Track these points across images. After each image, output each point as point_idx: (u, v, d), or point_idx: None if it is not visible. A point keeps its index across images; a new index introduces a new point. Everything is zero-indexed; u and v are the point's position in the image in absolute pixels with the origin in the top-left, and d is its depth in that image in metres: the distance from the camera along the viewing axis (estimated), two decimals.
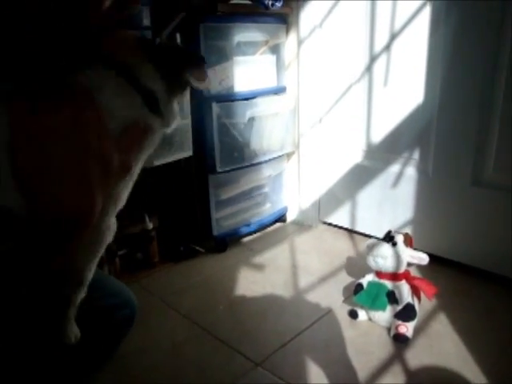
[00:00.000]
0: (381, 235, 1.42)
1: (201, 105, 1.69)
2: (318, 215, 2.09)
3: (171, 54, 0.69)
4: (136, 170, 0.66)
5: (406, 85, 1.70)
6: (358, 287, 1.38)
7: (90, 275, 0.73)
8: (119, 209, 0.69)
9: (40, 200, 0.55)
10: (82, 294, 0.74)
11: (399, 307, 1.30)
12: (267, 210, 2.05)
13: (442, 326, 1.36)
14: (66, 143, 0.56)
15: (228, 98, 1.75)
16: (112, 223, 0.69)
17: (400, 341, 1.29)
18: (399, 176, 1.77)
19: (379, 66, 1.76)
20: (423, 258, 1.34)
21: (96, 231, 0.66)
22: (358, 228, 1.96)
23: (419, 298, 1.36)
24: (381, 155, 1.83)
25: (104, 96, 0.63)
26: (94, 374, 1.15)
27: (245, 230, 1.93)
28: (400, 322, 1.30)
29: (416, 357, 1.24)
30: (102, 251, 0.72)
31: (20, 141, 0.55)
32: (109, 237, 0.70)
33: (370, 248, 1.37)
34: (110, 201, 0.65)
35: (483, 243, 1.59)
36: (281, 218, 2.12)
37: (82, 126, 0.57)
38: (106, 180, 0.59)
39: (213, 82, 1.71)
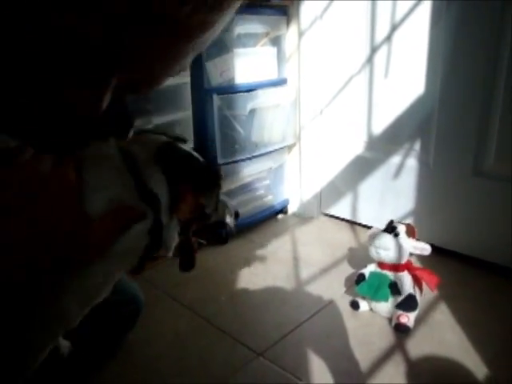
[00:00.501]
0: (382, 226, 1.42)
1: (202, 97, 1.69)
2: (319, 207, 2.09)
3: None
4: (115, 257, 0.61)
5: (406, 76, 1.70)
6: (360, 277, 1.39)
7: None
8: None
9: None
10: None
11: (401, 298, 1.31)
12: (268, 202, 2.05)
13: (444, 316, 1.37)
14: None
15: (229, 90, 1.75)
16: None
17: (401, 331, 1.29)
18: (400, 167, 1.77)
19: (380, 57, 1.75)
20: (426, 249, 1.34)
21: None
22: (360, 219, 1.96)
23: (421, 289, 1.36)
24: (382, 146, 1.83)
25: (92, 173, 0.60)
26: (102, 365, 1.17)
27: (246, 222, 1.93)
28: (401, 312, 1.30)
29: (417, 346, 1.24)
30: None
31: None
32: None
33: (372, 238, 1.37)
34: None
35: (485, 234, 1.60)
36: (282, 210, 2.13)
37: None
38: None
39: (213, 74, 1.71)
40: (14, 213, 0.51)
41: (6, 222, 0.51)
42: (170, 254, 0.69)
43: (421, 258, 1.54)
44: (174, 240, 0.67)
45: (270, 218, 2.07)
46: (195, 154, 0.70)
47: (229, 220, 0.77)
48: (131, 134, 0.83)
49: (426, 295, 1.40)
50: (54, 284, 0.59)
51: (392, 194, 1.81)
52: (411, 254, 1.37)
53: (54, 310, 0.62)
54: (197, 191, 0.66)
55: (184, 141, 0.73)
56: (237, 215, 0.79)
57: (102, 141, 0.64)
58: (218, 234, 0.70)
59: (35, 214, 0.52)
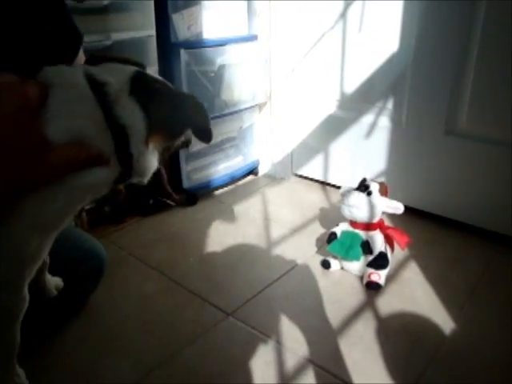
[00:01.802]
0: (353, 187, 1.40)
1: (168, 51, 1.61)
2: (290, 168, 2.06)
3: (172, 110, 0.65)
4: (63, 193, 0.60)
5: (380, 33, 1.65)
6: (332, 236, 1.37)
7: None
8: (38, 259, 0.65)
9: None
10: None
11: (372, 256, 1.30)
12: (239, 163, 2.01)
13: (413, 274, 1.37)
14: None
15: (197, 45, 1.68)
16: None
17: (372, 288, 1.29)
18: (373, 126, 1.75)
19: (354, 12, 1.70)
20: (399, 208, 1.33)
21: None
22: (331, 180, 1.94)
23: (392, 248, 1.36)
24: (354, 105, 1.79)
25: (57, 99, 0.59)
26: (64, 325, 1.13)
27: (216, 183, 1.89)
28: (372, 270, 1.30)
29: (387, 303, 1.25)
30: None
31: None
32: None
33: (345, 197, 1.34)
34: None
35: (456, 193, 1.60)
36: (253, 171, 2.09)
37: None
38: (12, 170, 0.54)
39: (181, 28, 1.63)
40: None
41: None
42: (145, 180, 0.69)
43: (392, 217, 1.54)
44: (151, 168, 0.67)
45: (240, 179, 2.03)
46: (168, 83, 0.70)
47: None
48: (81, 51, 0.83)
49: (396, 254, 1.41)
50: (7, 205, 0.58)
51: (364, 154, 1.79)
52: (383, 213, 1.36)
53: (11, 234, 0.61)
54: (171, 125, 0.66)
55: (144, 67, 0.71)
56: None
57: (69, 67, 0.64)
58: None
59: None
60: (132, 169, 0.64)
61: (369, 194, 1.32)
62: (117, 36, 1.45)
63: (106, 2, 1.39)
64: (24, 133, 0.54)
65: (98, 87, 0.61)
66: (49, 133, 0.56)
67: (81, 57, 0.85)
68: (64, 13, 0.79)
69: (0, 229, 0.60)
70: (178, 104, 0.66)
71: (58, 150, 0.56)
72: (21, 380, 0.82)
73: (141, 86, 0.64)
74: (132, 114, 0.61)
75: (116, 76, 0.64)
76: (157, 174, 0.74)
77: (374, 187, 1.34)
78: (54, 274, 0.96)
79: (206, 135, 0.69)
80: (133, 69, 0.66)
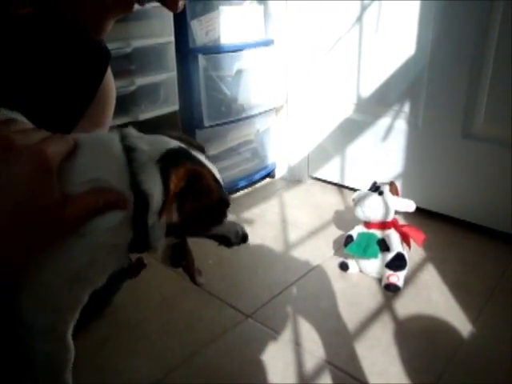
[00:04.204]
0: (362, 192, 1.42)
1: (186, 57, 1.64)
2: (307, 170, 2.08)
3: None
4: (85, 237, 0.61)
5: (397, 36, 1.66)
6: (349, 239, 1.38)
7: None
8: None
9: None
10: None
11: (390, 256, 1.31)
12: (255, 166, 2.03)
13: (431, 277, 1.38)
14: None
15: (215, 50, 1.70)
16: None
17: (391, 290, 1.30)
18: (389, 129, 1.75)
19: (370, 16, 1.71)
20: (410, 205, 1.34)
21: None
22: (348, 182, 1.95)
23: (409, 246, 1.36)
24: (371, 108, 1.80)
25: (86, 153, 0.61)
26: (87, 326, 1.16)
27: (233, 186, 1.91)
28: (391, 272, 1.31)
29: (404, 306, 1.25)
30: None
31: None
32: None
33: (358, 199, 1.36)
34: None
35: (472, 196, 1.60)
36: (269, 174, 2.11)
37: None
38: (32, 236, 0.56)
39: (199, 33, 1.65)
40: None
41: None
42: (159, 253, 0.69)
43: (408, 219, 1.54)
44: (160, 240, 0.65)
45: (257, 182, 2.05)
46: (208, 164, 0.70)
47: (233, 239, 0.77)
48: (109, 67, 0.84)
49: (412, 256, 1.41)
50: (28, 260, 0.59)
51: (380, 157, 1.80)
52: (396, 213, 1.37)
53: (44, 284, 0.62)
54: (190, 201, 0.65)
55: (204, 151, 0.73)
56: (244, 239, 0.79)
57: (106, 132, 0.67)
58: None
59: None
60: (147, 236, 0.64)
61: (380, 193, 1.34)
62: (137, 43, 1.48)
63: None
64: (38, 194, 0.55)
65: (129, 151, 0.63)
66: (70, 188, 0.58)
67: (108, 72, 0.88)
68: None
69: (35, 280, 0.62)
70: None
71: (75, 201, 0.58)
72: None
73: (170, 158, 0.64)
74: (153, 183, 0.62)
75: (153, 145, 0.65)
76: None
77: (385, 187, 1.36)
78: None
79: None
80: (176, 144, 0.68)
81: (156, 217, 0.62)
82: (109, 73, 0.88)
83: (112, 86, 0.93)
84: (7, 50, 0.71)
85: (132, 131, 0.67)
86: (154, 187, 0.62)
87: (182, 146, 0.69)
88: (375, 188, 1.38)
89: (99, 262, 0.64)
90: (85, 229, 0.59)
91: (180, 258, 0.80)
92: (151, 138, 0.68)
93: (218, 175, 0.71)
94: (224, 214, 0.74)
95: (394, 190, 1.37)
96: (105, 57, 0.84)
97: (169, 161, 0.64)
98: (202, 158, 0.71)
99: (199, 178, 0.65)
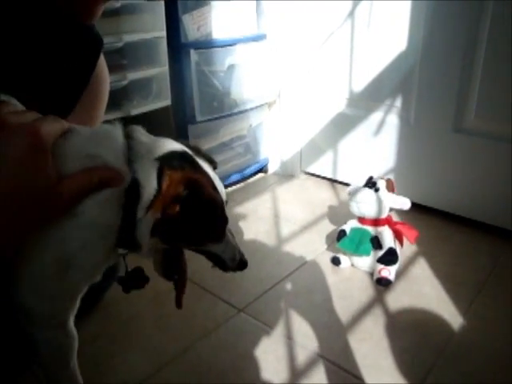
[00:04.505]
0: (360, 185, 1.42)
1: (178, 52, 1.64)
2: (299, 165, 2.08)
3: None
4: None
5: (388, 31, 1.66)
6: (341, 233, 1.39)
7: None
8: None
9: None
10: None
11: (382, 252, 1.32)
12: (248, 161, 2.03)
13: (422, 271, 1.39)
14: None
15: (206, 45, 1.70)
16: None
17: (383, 284, 1.31)
18: (381, 124, 1.76)
19: (362, 11, 1.71)
20: (405, 203, 1.35)
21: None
22: (340, 177, 1.96)
23: (402, 243, 1.37)
24: (363, 103, 1.80)
25: (84, 135, 0.62)
26: (80, 320, 1.16)
27: (225, 181, 1.91)
28: (383, 266, 1.31)
29: (396, 300, 1.26)
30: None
31: None
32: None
33: (353, 194, 1.37)
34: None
35: (464, 190, 1.61)
36: (262, 169, 2.11)
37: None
38: (27, 213, 0.55)
39: (190, 28, 1.65)
40: None
41: None
42: (144, 252, 0.67)
43: (400, 214, 1.55)
44: (145, 237, 0.64)
45: (249, 176, 2.05)
46: (211, 174, 0.69)
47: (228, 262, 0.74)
48: (102, 55, 0.85)
49: (404, 250, 1.42)
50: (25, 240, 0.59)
51: (373, 152, 1.80)
52: (391, 210, 1.37)
53: (41, 270, 0.62)
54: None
55: (215, 166, 0.73)
56: (242, 266, 0.76)
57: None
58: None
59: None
60: (134, 228, 0.63)
61: (376, 190, 1.35)
62: (128, 37, 1.47)
63: (117, 5, 1.41)
64: (33, 172, 0.54)
65: (129, 140, 0.63)
66: (65, 166, 0.58)
67: (102, 59, 0.88)
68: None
69: (30, 263, 0.62)
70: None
71: (69, 180, 0.57)
72: None
73: (170, 158, 0.64)
74: (147, 176, 0.61)
75: (155, 143, 0.65)
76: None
77: (381, 184, 1.36)
78: None
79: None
80: (180, 148, 0.67)
81: (144, 211, 0.61)
82: (102, 59, 0.88)
83: (105, 73, 0.92)
84: (2, 34, 0.71)
85: (138, 127, 0.67)
86: (147, 181, 0.61)
87: (187, 151, 0.68)
88: (371, 183, 1.38)
89: (91, 246, 0.63)
90: (78, 208, 0.59)
91: (172, 271, 0.80)
92: (157, 137, 0.67)
93: (220, 187, 0.69)
94: (220, 231, 0.71)
95: (390, 187, 1.37)
96: (97, 43, 0.83)
97: (167, 161, 0.63)
98: (206, 167, 0.69)
99: (198, 188, 0.64)
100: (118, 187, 0.60)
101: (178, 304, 0.82)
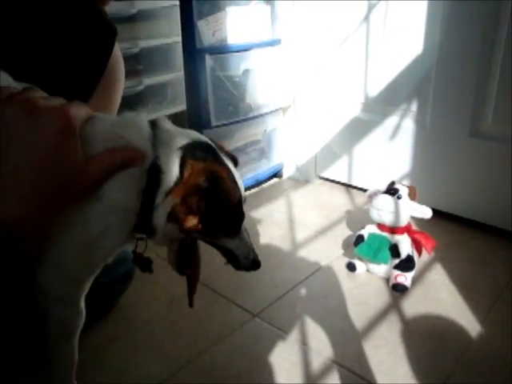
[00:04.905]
0: (380, 188, 1.41)
1: (193, 57, 1.65)
2: (314, 170, 2.07)
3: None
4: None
5: (404, 35, 1.65)
6: (359, 239, 1.37)
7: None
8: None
9: None
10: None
11: (399, 259, 1.31)
12: (263, 166, 2.03)
13: (439, 277, 1.37)
14: (17, 142, 0.54)
15: (221, 50, 1.70)
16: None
17: (399, 290, 1.30)
18: (397, 129, 1.75)
19: (377, 15, 1.70)
20: (427, 212, 1.33)
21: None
22: (355, 182, 1.95)
23: (420, 252, 1.35)
24: (378, 108, 1.79)
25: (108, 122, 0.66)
26: (92, 326, 1.16)
27: None
28: (399, 273, 1.30)
29: (412, 306, 1.25)
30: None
31: None
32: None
33: (373, 199, 1.35)
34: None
35: (481, 195, 1.59)
36: (277, 174, 2.11)
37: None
38: (59, 193, 0.58)
39: (206, 34, 1.66)
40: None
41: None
42: (158, 237, 0.69)
43: (417, 219, 1.53)
44: (161, 221, 0.66)
45: (264, 182, 2.05)
46: (232, 168, 0.71)
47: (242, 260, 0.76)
48: (116, 46, 0.87)
49: (422, 256, 1.40)
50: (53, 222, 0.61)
51: (388, 156, 1.79)
52: (411, 217, 1.36)
53: (62, 252, 0.65)
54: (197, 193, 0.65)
55: (237, 163, 0.75)
56: (255, 265, 0.77)
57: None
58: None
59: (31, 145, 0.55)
60: (152, 212, 0.65)
61: (399, 197, 1.33)
62: (144, 43, 1.49)
63: (133, 11, 1.43)
64: (63, 152, 0.57)
65: (154, 127, 0.66)
66: (91, 147, 0.61)
67: (116, 48, 0.89)
68: (97, 10, 0.83)
69: (54, 247, 0.64)
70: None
71: (95, 160, 0.60)
72: None
73: (194, 148, 0.66)
74: (169, 163, 0.63)
75: (180, 132, 0.68)
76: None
77: (404, 191, 1.34)
78: None
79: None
80: (205, 140, 0.70)
81: (163, 197, 0.63)
82: (116, 48, 0.89)
83: (120, 62, 0.93)
84: (20, 22, 0.73)
85: (164, 117, 0.70)
86: (169, 167, 0.63)
87: (211, 144, 0.70)
88: (393, 190, 1.36)
89: (112, 230, 0.66)
90: (101, 190, 0.62)
91: (186, 264, 0.80)
92: (183, 129, 0.70)
93: (239, 182, 0.71)
94: (236, 226, 0.73)
95: (412, 195, 1.36)
96: (112, 31, 0.86)
97: (191, 150, 0.65)
98: (228, 162, 0.71)
99: (219, 180, 0.66)
100: (139, 167, 0.63)
101: (190, 302, 0.83)
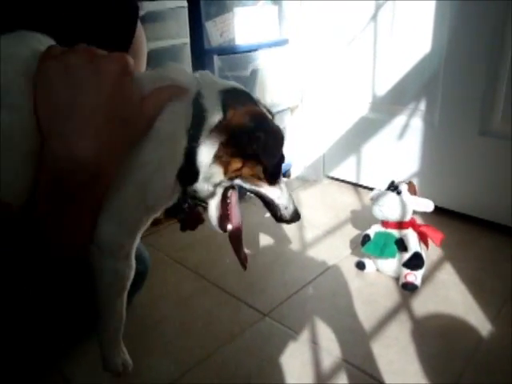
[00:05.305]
0: (382, 190, 1.41)
1: (202, 58, 1.65)
2: (322, 170, 2.07)
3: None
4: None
5: (412, 34, 1.65)
6: (366, 238, 1.38)
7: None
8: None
9: (53, 141, 0.57)
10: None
11: (407, 255, 1.31)
12: None
13: (448, 276, 1.37)
14: (84, 87, 0.59)
15: (230, 51, 1.71)
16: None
17: (409, 289, 1.30)
18: (405, 128, 1.74)
19: (385, 14, 1.70)
20: (428, 205, 1.33)
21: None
22: (364, 182, 1.95)
23: (427, 245, 1.35)
24: (387, 107, 1.79)
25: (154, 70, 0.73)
26: None
27: None
28: (408, 271, 1.30)
29: (422, 305, 1.25)
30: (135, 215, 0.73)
31: (41, 77, 0.58)
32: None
33: (375, 198, 1.36)
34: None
35: (490, 194, 1.58)
36: (285, 174, 2.11)
37: (104, 74, 0.60)
38: (122, 132, 0.62)
39: (214, 34, 1.67)
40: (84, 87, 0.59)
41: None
42: (200, 185, 0.74)
43: (426, 218, 1.53)
44: (206, 161, 0.71)
45: None
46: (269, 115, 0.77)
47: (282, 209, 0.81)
48: (140, 25, 0.91)
49: (429, 255, 1.40)
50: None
51: (396, 155, 1.79)
52: (414, 212, 1.36)
53: (122, 197, 0.69)
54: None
55: (273, 116, 0.81)
56: (295, 216, 0.82)
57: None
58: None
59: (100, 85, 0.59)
60: (197, 148, 0.69)
61: (398, 193, 1.34)
62: (152, 45, 1.49)
63: (142, 13, 1.44)
64: (125, 89, 0.61)
65: (196, 74, 0.73)
66: (143, 89, 0.65)
67: (140, 28, 0.92)
68: None
69: (113, 194, 0.67)
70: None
71: (148, 100, 0.65)
72: (126, 356, 0.88)
73: (234, 92, 0.73)
74: (213, 103, 0.69)
75: (222, 80, 0.75)
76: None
77: (403, 187, 1.36)
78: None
79: (265, 152, 0.73)
80: (241, 87, 0.77)
81: (208, 133, 0.68)
82: (139, 26, 0.92)
83: (143, 37, 0.96)
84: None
85: (206, 71, 0.76)
86: (212, 106, 0.69)
87: (251, 94, 0.77)
88: (393, 187, 1.37)
89: (164, 168, 0.70)
90: (153, 128, 0.66)
91: (227, 219, 0.84)
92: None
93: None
94: (278, 167, 0.78)
95: (412, 190, 1.36)
96: (136, 7, 0.90)
97: (232, 94, 0.72)
98: (266, 111, 0.76)
99: (264, 121, 0.72)
100: (184, 101, 0.68)
101: (242, 265, 0.87)
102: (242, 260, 0.86)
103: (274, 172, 0.77)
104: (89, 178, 0.60)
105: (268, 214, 0.84)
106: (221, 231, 0.84)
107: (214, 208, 0.81)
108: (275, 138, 0.73)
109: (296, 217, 0.82)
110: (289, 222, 0.82)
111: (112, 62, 0.60)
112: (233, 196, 0.81)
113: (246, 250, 0.89)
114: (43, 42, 0.63)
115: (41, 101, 0.57)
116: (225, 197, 0.80)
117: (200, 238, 1.62)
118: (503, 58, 1.46)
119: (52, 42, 0.65)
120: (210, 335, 1.17)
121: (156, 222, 1.70)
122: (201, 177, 0.72)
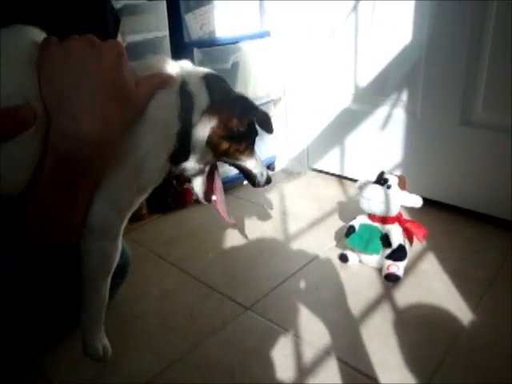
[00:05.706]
0: (370, 179, 1.40)
1: (182, 51, 1.63)
2: (306, 162, 2.07)
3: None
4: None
5: (393, 25, 1.65)
6: (350, 229, 1.37)
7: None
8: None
9: (61, 120, 0.61)
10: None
11: (391, 249, 1.31)
12: None
13: (431, 266, 1.37)
14: (86, 69, 0.63)
15: (210, 43, 1.70)
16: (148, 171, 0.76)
17: (391, 280, 1.30)
18: (388, 118, 1.74)
19: (365, 5, 1.69)
20: (417, 201, 1.32)
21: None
22: (348, 173, 1.94)
23: (411, 241, 1.35)
24: (369, 98, 1.79)
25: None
26: None
27: (232, 179, 1.90)
28: (391, 262, 1.30)
29: (404, 295, 1.25)
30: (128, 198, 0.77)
31: (43, 60, 0.62)
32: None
33: (363, 189, 1.35)
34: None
35: (472, 184, 1.59)
36: (269, 167, 2.10)
37: (102, 55, 0.64)
38: (122, 110, 0.66)
39: (193, 27, 1.65)
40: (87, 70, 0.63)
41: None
42: (192, 163, 0.81)
43: (409, 209, 1.53)
44: (200, 141, 0.78)
45: None
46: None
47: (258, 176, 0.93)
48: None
49: (414, 246, 1.40)
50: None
51: (380, 146, 1.79)
52: (401, 207, 1.35)
53: (115, 178, 0.72)
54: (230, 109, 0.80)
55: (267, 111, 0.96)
56: (268, 180, 0.96)
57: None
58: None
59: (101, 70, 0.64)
60: (191, 130, 0.76)
61: (388, 187, 1.32)
62: (131, 38, 1.48)
63: (119, 6, 1.42)
64: (123, 73, 0.65)
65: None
66: (134, 76, 0.69)
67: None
68: None
69: (108, 174, 0.70)
70: (237, 97, 0.84)
71: (141, 83, 0.69)
72: (105, 341, 0.89)
73: (213, 77, 0.81)
74: (198, 87, 0.76)
75: (198, 68, 0.83)
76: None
77: (393, 181, 1.34)
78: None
79: (267, 126, 0.90)
80: (215, 72, 0.85)
81: (199, 116, 0.76)
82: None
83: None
84: None
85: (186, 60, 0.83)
86: (199, 91, 0.76)
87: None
88: (383, 180, 1.35)
89: (156, 149, 0.74)
90: (147, 112, 0.71)
91: (211, 192, 0.93)
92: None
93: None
94: (254, 142, 0.90)
95: (402, 184, 1.35)
96: (117, 13, 0.94)
97: (212, 78, 0.80)
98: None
99: (248, 100, 0.85)
100: (172, 88, 0.73)
101: (232, 224, 1.04)
102: (230, 220, 1.00)
103: (251, 148, 0.89)
104: (93, 152, 0.64)
105: (246, 182, 0.98)
106: (206, 203, 0.94)
107: (199, 183, 0.90)
108: (263, 112, 0.88)
109: (269, 180, 0.96)
110: (264, 185, 0.95)
111: (110, 47, 0.65)
112: (216, 172, 0.92)
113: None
114: (37, 34, 0.66)
115: (46, 86, 0.61)
116: (211, 173, 0.90)
117: (183, 233, 1.62)
118: (484, 48, 1.46)
119: (44, 35, 0.67)
120: (193, 329, 1.17)
121: (139, 218, 1.69)
122: (193, 158, 0.80)
